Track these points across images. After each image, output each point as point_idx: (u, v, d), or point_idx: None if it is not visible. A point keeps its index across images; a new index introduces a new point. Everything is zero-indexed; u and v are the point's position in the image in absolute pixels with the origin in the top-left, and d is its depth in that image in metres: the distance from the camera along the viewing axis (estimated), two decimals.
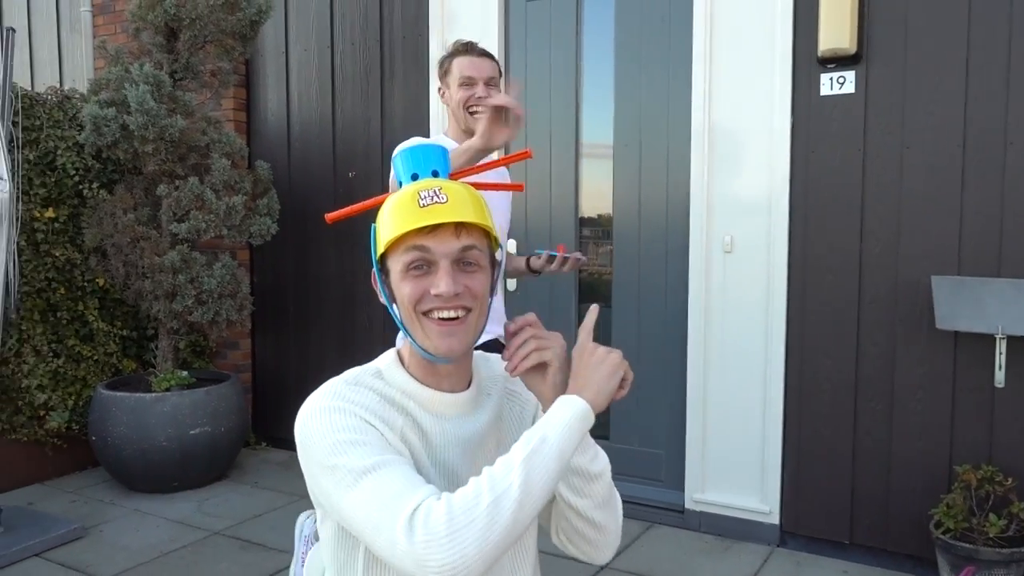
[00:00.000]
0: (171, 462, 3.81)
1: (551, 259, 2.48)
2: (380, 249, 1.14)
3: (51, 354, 4.03)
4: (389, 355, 1.22)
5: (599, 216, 3.77)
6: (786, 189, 3.17)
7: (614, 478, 1.26)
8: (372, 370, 1.19)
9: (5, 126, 3.26)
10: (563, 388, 1.15)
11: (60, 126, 4.04)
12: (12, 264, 3.30)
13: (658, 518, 3.53)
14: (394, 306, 1.17)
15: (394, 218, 1.11)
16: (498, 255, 1.21)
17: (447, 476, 1.16)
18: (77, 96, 4.20)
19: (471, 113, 2.37)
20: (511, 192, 2.63)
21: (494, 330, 2.48)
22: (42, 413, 4.02)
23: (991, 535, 2.66)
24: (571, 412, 1.07)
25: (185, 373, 4.07)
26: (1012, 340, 2.81)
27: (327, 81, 4.37)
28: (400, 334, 1.51)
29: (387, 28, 4.15)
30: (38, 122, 3.95)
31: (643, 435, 3.67)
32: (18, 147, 3.66)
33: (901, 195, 3.00)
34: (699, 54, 3.31)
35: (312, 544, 1.36)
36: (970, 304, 2.77)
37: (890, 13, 2.97)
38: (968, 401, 2.92)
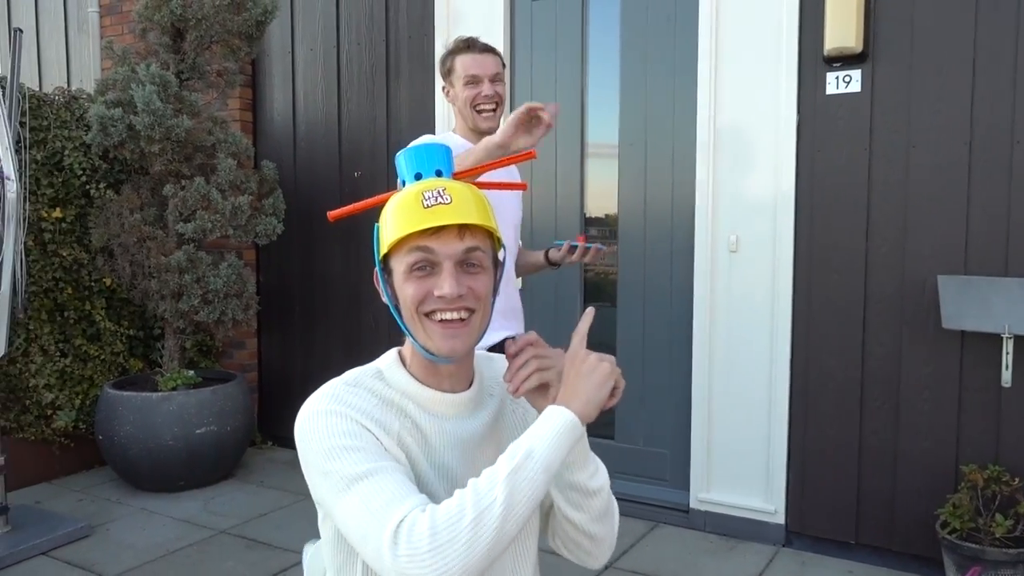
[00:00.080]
0: (177, 461, 3.82)
1: (572, 249, 2.43)
2: (383, 249, 1.14)
3: (58, 353, 4.05)
4: (390, 355, 1.22)
5: (606, 216, 3.76)
6: (792, 188, 3.17)
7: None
8: (372, 371, 1.19)
9: (12, 126, 3.27)
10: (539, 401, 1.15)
11: (67, 126, 4.05)
12: (20, 264, 3.32)
13: (663, 518, 3.53)
14: (396, 306, 1.16)
15: (397, 218, 1.10)
16: (500, 255, 1.21)
17: (445, 478, 1.16)
18: (84, 96, 4.22)
19: (478, 111, 2.35)
20: (519, 197, 2.62)
21: (511, 327, 2.48)
22: (49, 412, 4.03)
23: (997, 535, 2.65)
24: (559, 424, 1.05)
25: (191, 373, 4.08)
26: (1019, 340, 2.80)
27: (333, 81, 4.37)
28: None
29: (392, 28, 4.16)
30: (45, 122, 3.96)
31: (648, 435, 3.67)
32: (25, 147, 3.68)
33: (907, 194, 2.99)
34: (705, 53, 3.31)
35: None
36: (977, 303, 2.76)
37: (896, 12, 2.96)
38: (974, 401, 2.91)
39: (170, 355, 4.10)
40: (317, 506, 1.18)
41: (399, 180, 1.18)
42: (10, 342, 3.59)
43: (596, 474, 1.19)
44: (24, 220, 3.39)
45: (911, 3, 2.94)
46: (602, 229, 3.77)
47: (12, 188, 3.19)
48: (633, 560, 3.16)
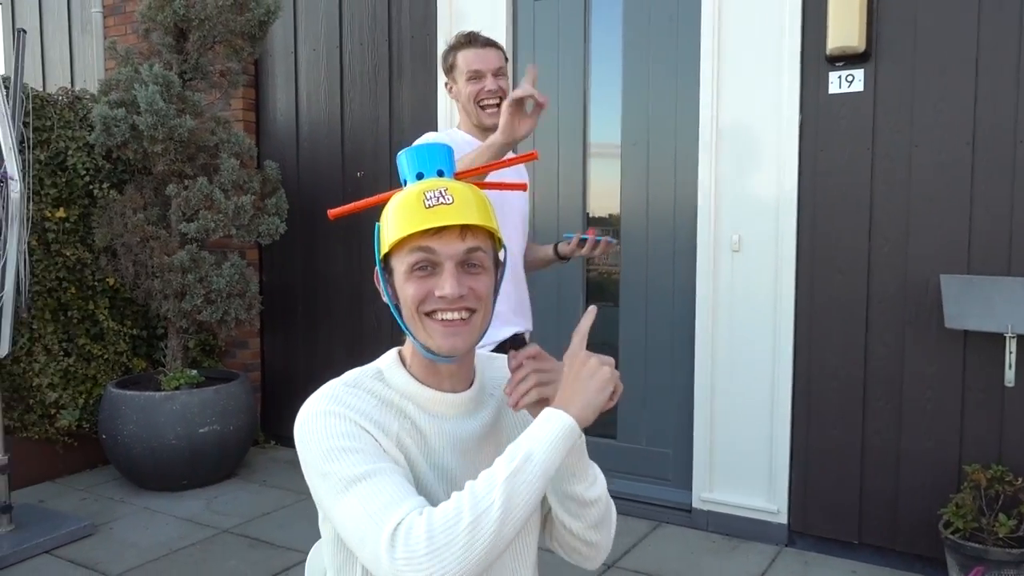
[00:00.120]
0: (180, 460, 3.83)
1: (582, 243, 2.39)
2: (384, 249, 1.14)
3: (62, 353, 4.06)
4: (390, 355, 1.22)
5: (608, 215, 3.76)
6: (794, 188, 3.16)
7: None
8: (372, 371, 1.19)
9: (16, 127, 3.28)
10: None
11: (71, 127, 4.06)
12: (23, 263, 3.33)
13: (665, 517, 3.53)
14: (397, 306, 1.16)
15: (399, 218, 1.10)
16: (500, 255, 1.21)
17: (444, 478, 1.16)
18: (87, 97, 4.23)
19: (482, 107, 2.30)
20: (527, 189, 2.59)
21: (521, 322, 2.44)
22: (53, 411, 4.04)
23: (1001, 535, 2.64)
24: (558, 428, 1.04)
25: (194, 372, 4.09)
26: (1022, 339, 2.79)
27: (336, 81, 4.38)
28: None
29: (395, 28, 4.16)
30: (49, 123, 3.98)
31: (651, 434, 3.67)
32: (29, 147, 3.69)
33: (910, 194, 2.98)
34: (707, 53, 3.31)
35: None
36: (979, 303, 2.76)
37: (899, 11, 2.96)
38: (977, 400, 2.90)
39: (173, 354, 4.10)
40: (317, 506, 1.18)
41: (400, 179, 1.18)
42: (14, 341, 3.60)
43: (594, 484, 1.19)
44: (28, 220, 3.40)
45: (914, 2, 2.93)
46: (605, 229, 3.76)
47: (16, 188, 3.20)
48: (635, 560, 3.16)
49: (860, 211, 3.07)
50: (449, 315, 1.11)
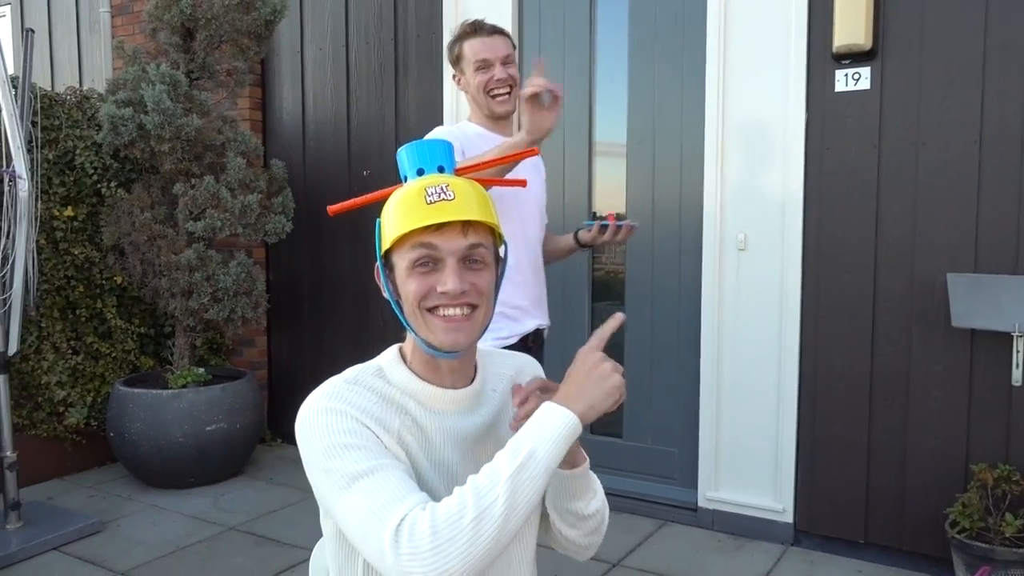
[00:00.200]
0: (187, 458, 3.84)
1: (603, 229, 2.30)
2: (385, 245, 1.14)
3: (70, 351, 4.08)
4: (391, 352, 1.22)
5: (616, 214, 3.75)
6: (800, 186, 3.16)
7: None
8: (373, 368, 1.19)
9: (25, 126, 3.30)
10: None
11: (79, 126, 4.09)
12: (32, 262, 3.35)
13: (671, 516, 3.52)
14: (398, 301, 1.16)
15: (400, 214, 1.10)
16: (501, 251, 1.21)
17: (445, 475, 1.16)
18: (95, 96, 4.25)
19: (492, 96, 2.23)
20: (543, 177, 2.53)
21: (541, 316, 2.38)
22: (61, 409, 4.07)
23: (1007, 535, 2.63)
24: (562, 426, 1.04)
25: (201, 370, 4.10)
26: None
27: (342, 80, 4.39)
28: None
29: (401, 27, 4.17)
30: (57, 122, 4.00)
31: (656, 433, 3.67)
32: (37, 147, 3.71)
33: (917, 192, 2.97)
34: (713, 51, 3.30)
35: None
36: (986, 302, 2.74)
37: (906, 8, 2.95)
38: (984, 400, 2.89)
39: (180, 353, 4.12)
40: (319, 503, 1.18)
41: (400, 176, 1.19)
42: (22, 340, 3.63)
43: (594, 498, 1.23)
44: (36, 219, 3.42)
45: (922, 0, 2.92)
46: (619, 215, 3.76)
47: (24, 187, 3.22)
48: (641, 558, 3.16)
49: (866, 209, 3.06)
50: (451, 311, 1.11)
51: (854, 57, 3.03)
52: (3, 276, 3.25)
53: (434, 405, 1.17)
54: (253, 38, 4.12)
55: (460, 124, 2.33)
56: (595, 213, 3.78)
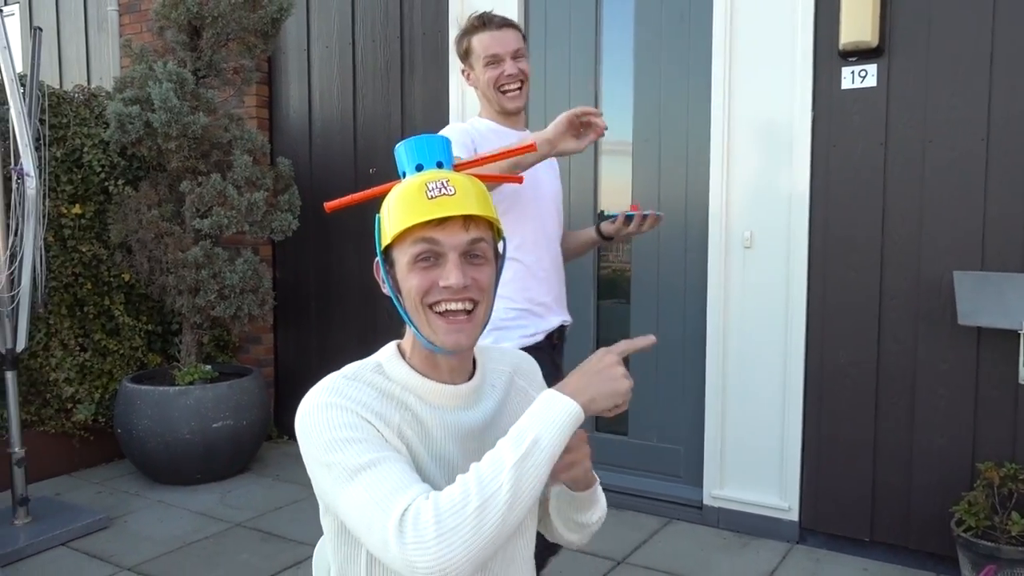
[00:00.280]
0: (194, 455, 3.86)
1: (628, 220, 2.21)
2: (386, 240, 1.14)
3: (78, 348, 4.10)
4: (389, 348, 1.22)
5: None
6: (807, 184, 3.15)
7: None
8: (372, 364, 1.19)
9: (33, 124, 3.32)
10: (577, 482, 1.21)
11: (86, 124, 4.10)
12: (40, 259, 3.37)
13: (676, 514, 3.52)
14: (398, 297, 1.17)
15: (401, 210, 1.11)
16: (500, 247, 1.21)
17: (446, 469, 1.16)
18: (103, 94, 4.27)
19: (503, 92, 2.17)
20: (557, 173, 2.48)
21: (563, 313, 2.30)
22: (69, 406, 4.09)
23: (1013, 533, 2.62)
24: (565, 415, 1.04)
25: (208, 367, 4.12)
26: None
27: (348, 78, 4.40)
28: None
29: (407, 25, 4.17)
30: (65, 120, 4.02)
31: (662, 431, 3.67)
32: (45, 144, 3.73)
33: (923, 190, 2.96)
34: (719, 48, 3.29)
35: None
36: (993, 300, 2.73)
37: (913, 5, 2.94)
38: (991, 398, 2.88)
39: (187, 350, 4.14)
40: (319, 500, 1.18)
41: (399, 172, 1.19)
42: (31, 336, 3.65)
43: (598, 510, 1.27)
44: (44, 216, 3.44)
45: None
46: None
47: (32, 184, 3.24)
48: (646, 556, 3.16)
49: (873, 207, 3.05)
50: (453, 305, 1.12)
51: (861, 54, 3.02)
52: (11, 273, 3.27)
53: (434, 400, 1.18)
54: (260, 36, 4.13)
55: (471, 120, 2.29)
56: (603, 211, 3.77)
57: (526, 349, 2.09)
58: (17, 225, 3.28)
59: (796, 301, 3.20)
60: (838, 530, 3.19)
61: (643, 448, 3.69)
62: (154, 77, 3.84)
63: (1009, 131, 2.80)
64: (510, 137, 2.16)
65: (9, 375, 3.36)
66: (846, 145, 3.09)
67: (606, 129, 1.88)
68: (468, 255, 1.12)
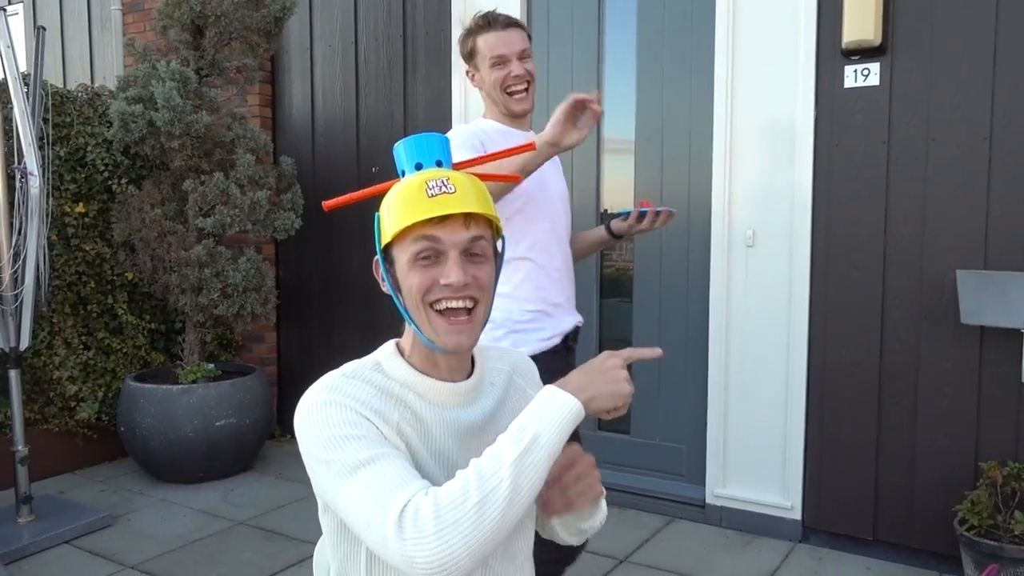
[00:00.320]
0: (197, 453, 3.87)
1: (640, 217, 2.20)
2: (386, 238, 1.14)
3: (81, 346, 4.11)
4: (388, 347, 1.22)
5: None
6: (809, 183, 3.14)
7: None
8: (371, 363, 1.19)
9: (36, 123, 3.33)
10: (575, 506, 1.21)
11: (90, 123, 4.11)
12: (43, 258, 3.38)
13: (679, 513, 3.52)
14: (398, 296, 1.17)
15: (401, 208, 1.11)
16: (499, 246, 1.21)
17: (445, 466, 1.16)
18: (106, 93, 4.28)
19: (509, 94, 2.13)
20: (561, 172, 2.46)
21: (574, 313, 2.26)
22: (73, 404, 4.10)
23: (1016, 532, 2.62)
24: (566, 411, 1.04)
25: (211, 366, 4.13)
26: None
27: (351, 77, 4.40)
28: None
29: (410, 24, 4.18)
30: (68, 119, 4.02)
31: (664, 430, 3.67)
32: (48, 143, 3.74)
33: (926, 188, 2.96)
34: (721, 47, 3.29)
35: None
36: (996, 299, 2.73)
37: (916, 3, 2.93)
38: (994, 397, 2.88)
39: (190, 348, 4.15)
40: (318, 499, 1.18)
41: (398, 170, 1.19)
42: (34, 335, 3.66)
43: (599, 516, 1.30)
44: (47, 215, 3.45)
45: None
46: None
47: (36, 183, 3.25)
48: (648, 555, 3.16)
49: (875, 206, 3.05)
50: (454, 303, 1.12)
51: (863, 53, 3.01)
52: (15, 272, 3.28)
53: (433, 397, 1.18)
54: (263, 35, 4.13)
55: (478, 121, 2.26)
56: (607, 210, 3.77)
57: (543, 354, 2.08)
58: (21, 224, 3.28)
59: (799, 300, 3.19)
60: (841, 529, 3.18)
61: (646, 447, 3.69)
62: (157, 76, 3.85)
63: (1012, 130, 2.80)
64: (517, 138, 2.15)
65: (13, 373, 3.37)
66: (849, 144, 3.08)
67: (600, 112, 1.86)
68: (468, 253, 1.12)
